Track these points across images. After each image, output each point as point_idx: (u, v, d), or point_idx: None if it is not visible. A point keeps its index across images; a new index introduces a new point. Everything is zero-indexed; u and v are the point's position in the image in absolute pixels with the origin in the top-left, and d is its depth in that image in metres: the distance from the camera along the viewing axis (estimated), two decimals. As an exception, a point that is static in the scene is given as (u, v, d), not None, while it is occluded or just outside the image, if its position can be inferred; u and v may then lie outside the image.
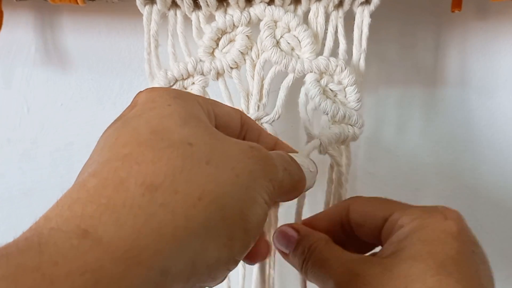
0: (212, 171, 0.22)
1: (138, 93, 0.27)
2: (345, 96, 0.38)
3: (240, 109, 0.37)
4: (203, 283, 0.23)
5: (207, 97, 0.38)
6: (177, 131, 0.23)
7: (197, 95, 0.28)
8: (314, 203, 0.43)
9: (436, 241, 0.28)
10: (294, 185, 0.28)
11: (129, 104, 0.27)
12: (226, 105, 0.30)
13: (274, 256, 0.40)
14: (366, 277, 0.28)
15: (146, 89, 0.27)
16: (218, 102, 0.29)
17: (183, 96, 0.26)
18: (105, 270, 0.18)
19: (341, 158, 0.39)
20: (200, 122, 0.25)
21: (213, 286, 0.24)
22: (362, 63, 0.39)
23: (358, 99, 0.38)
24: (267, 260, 0.40)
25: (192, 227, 0.21)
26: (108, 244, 0.19)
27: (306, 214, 0.38)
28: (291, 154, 0.30)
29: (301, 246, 0.33)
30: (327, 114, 0.38)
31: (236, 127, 0.30)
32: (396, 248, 0.29)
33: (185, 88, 0.39)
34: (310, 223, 0.36)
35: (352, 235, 0.34)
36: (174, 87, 0.38)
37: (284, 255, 0.34)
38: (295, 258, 0.33)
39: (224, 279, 0.24)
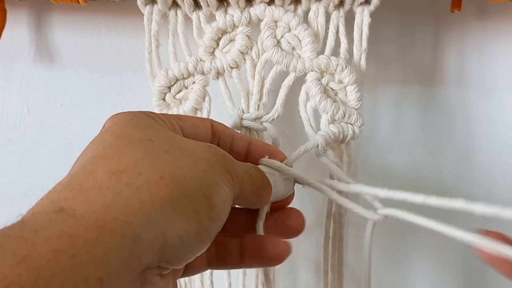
0: (171, 158, 0.25)
1: (106, 120, 0.29)
2: (346, 95, 0.39)
3: (239, 110, 0.38)
4: (180, 253, 0.25)
5: (207, 96, 0.39)
6: (138, 134, 0.26)
7: (161, 114, 0.30)
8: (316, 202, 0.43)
9: None
10: (256, 190, 0.30)
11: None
12: (193, 117, 0.32)
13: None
14: None
15: (113, 114, 0.29)
16: (183, 115, 0.32)
17: (146, 113, 0.29)
18: (80, 235, 0.21)
19: (341, 157, 0.40)
20: (160, 127, 0.28)
21: (192, 259, 0.26)
22: (363, 62, 0.39)
23: (358, 98, 0.38)
24: None
25: (157, 202, 0.23)
26: (81, 216, 0.22)
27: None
28: (262, 165, 0.32)
29: None
30: (327, 113, 0.38)
31: (206, 136, 0.31)
32: None
33: (186, 88, 0.39)
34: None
35: None
36: (174, 86, 0.38)
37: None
38: None
39: (202, 252, 0.26)
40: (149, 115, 0.29)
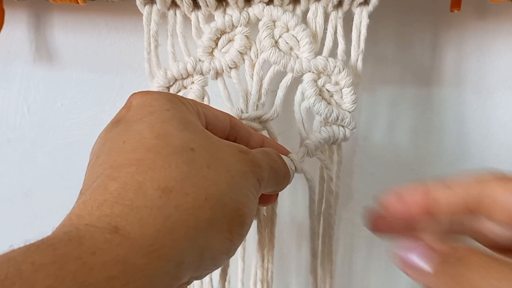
0: (212, 175, 0.26)
1: (133, 94, 0.29)
2: (341, 97, 0.39)
3: (238, 110, 0.39)
4: (209, 270, 0.26)
5: (206, 97, 0.39)
6: (178, 136, 0.26)
7: (188, 99, 0.30)
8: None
9: None
10: (278, 181, 0.32)
11: None
12: (216, 109, 0.33)
13: (273, 250, 0.40)
14: None
15: (139, 92, 0.29)
16: (208, 105, 0.33)
17: (177, 100, 0.29)
18: (133, 261, 0.21)
19: (331, 157, 0.40)
20: (197, 127, 0.28)
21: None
22: (359, 63, 0.39)
23: (353, 101, 0.39)
24: (265, 255, 0.40)
25: (200, 226, 0.24)
26: (135, 240, 0.22)
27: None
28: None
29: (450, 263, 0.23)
30: (320, 115, 0.38)
31: (225, 128, 0.32)
32: None
33: (185, 88, 0.39)
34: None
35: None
36: (173, 86, 0.39)
37: (416, 273, 0.25)
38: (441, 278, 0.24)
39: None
40: (181, 101, 0.29)
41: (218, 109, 0.33)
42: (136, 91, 0.29)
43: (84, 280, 0.20)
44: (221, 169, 0.26)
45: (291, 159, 0.35)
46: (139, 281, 0.21)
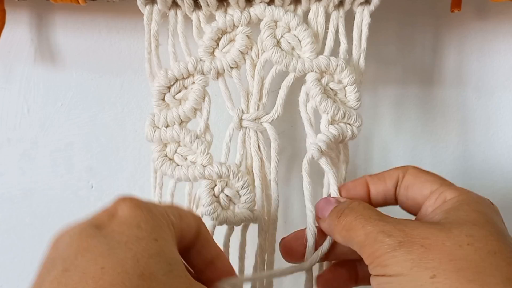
0: None
1: (120, 200, 0.27)
2: (345, 95, 0.39)
3: (239, 110, 0.38)
4: None
5: (207, 97, 0.39)
6: (162, 281, 0.24)
7: (167, 215, 0.28)
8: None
9: (489, 213, 0.31)
10: None
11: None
12: (190, 218, 0.30)
13: (273, 254, 0.40)
14: (423, 236, 0.29)
15: (127, 199, 0.27)
16: (185, 217, 0.30)
17: (166, 228, 0.27)
18: None
19: (338, 157, 0.40)
20: (181, 271, 0.26)
21: None
22: (362, 62, 0.39)
23: (357, 98, 0.38)
24: (266, 259, 0.40)
25: None
26: None
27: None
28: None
29: (341, 204, 0.34)
30: (327, 113, 0.38)
31: (190, 237, 0.30)
32: (445, 215, 0.31)
33: (186, 88, 0.39)
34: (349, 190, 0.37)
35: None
36: (174, 86, 0.38)
37: (320, 220, 0.36)
38: (330, 215, 0.34)
39: None
40: (166, 233, 0.26)
41: (188, 212, 0.31)
42: (124, 196, 0.27)
43: None
44: None
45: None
46: None
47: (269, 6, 0.38)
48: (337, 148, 0.40)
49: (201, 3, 0.38)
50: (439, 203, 0.33)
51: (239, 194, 0.38)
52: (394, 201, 0.37)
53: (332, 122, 0.38)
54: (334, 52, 0.39)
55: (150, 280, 0.23)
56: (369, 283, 0.31)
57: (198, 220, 0.31)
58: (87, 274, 0.23)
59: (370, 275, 0.30)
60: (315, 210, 0.36)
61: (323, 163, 0.37)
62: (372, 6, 0.38)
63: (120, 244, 0.24)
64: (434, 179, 0.35)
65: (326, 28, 0.39)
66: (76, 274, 0.23)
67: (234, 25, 0.38)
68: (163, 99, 0.39)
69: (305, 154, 0.37)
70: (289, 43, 0.38)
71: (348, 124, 0.38)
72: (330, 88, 0.39)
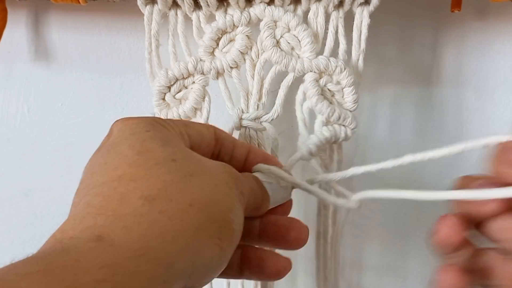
0: (196, 181, 0.26)
1: (114, 122, 0.29)
2: (343, 97, 0.39)
3: (239, 110, 0.38)
4: (203, 279, 0.26)
5: (207, 96, 0.39)
6: (159, 150, 0.26)
7: (170, 120, 0.30)
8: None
9: None
10: (257, 205, 0.31)
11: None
12: (198, 124, 0.33)
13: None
14: None
15: (120, 118, 0.29)
16: (190, 122, 0.32)
17: (157, 123, 0.29)
18: (120, 265, 0.21)
19: (332, 156, 0.40)
20: (178, 143, 0.28)
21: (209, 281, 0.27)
22: (360, 63, 0.39)
23: (355, 100, 0.39)
24: None
25: (188, 230, 0.24)
26: (120, 246, 0.22)
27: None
28: (259, 172, 0.32)
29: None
30: (322, 114, 0.38)
31: (210, 143, 0.32)
32: None
33: (186, 87, 0.39)
34: None
35: None
36: (174, 86, 0.39)
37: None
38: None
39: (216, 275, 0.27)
40: (161, 124, 0.29)
41: (201, 122, 0.33)
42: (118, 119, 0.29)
43: (69, 284, 0.20)
44: (204, 177, 0.26)
45: (285, 173, 0.33)
46: (129, 284, 0.21)
47: (269, 6, 0.38)
48: (331, 148, 0.40)
49: (201, 3, 0.38)
50: None
51: None
52: None
53: (326, 123, 0.38)
54: (334, 52, 0.39)
55: (146, 152, 0.26)
56: None
57: (209, 126, 0.33)
58: (94, 172, 0.26)
59: None
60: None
61: (314, 164, 0.37)
62: (371, 7, 0.38)
63: (117, 143, 0.27)
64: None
65: (326, 29, 0.39)
66: (86, 180, 0.26)
67: (234, 25, 0.38)
68: (164, 99, 0.39)
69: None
70: (288, 43, 0.38)
71: (343, 125, 0.39)
72: (328, 89, 0.39)
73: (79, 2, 0.39)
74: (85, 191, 0.25)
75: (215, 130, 0.33)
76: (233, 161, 0.33)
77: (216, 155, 0.33)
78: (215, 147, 0.33)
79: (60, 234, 0.23)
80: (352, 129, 0.39)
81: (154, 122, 0.28)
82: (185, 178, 0.26)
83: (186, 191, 0.25)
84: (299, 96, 0.39)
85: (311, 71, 0.38)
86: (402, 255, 0.53)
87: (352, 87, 0.38)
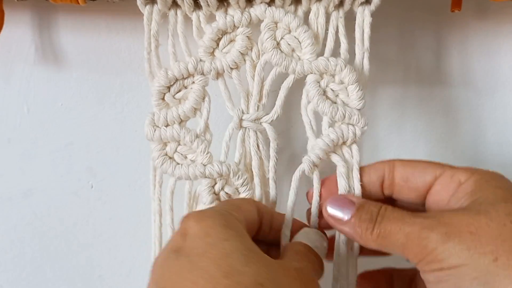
0: None
1: (185, 219, 0.30)
2: (348, 95, 0.38)
3: (239, 111, 0.38)
4: None
5: (207, 97, 0.39)
6: (246, 273, 0.27)
7: (230, 207, 0.32)
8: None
9: (508, 185, 0.32)
10: (319, 273, 0.34)
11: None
12: (246, 203, 0.35)
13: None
14: (465, 222, 0.29)
15: (192, 216, 0.30)
16: (239, 203, 0.34)
17: (231, 224, 0.30)
18: None
19: (343, 158, 0.39)
20: (256, 254, 0.29)
21: None
22: (366, 62, 0.39)
23: (360, 97, 0.38)
24: None
25: None
26: None
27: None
28: (302, 237, 0.35)
29: (365, 211, 0.33)
30: (326, 115, 0.38)
31: (256, 220, 0.34)
32: (472, 198, 0.31)
33: (185, 88, 0.39)
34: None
35: (387, 198, 0.37)
36: (174, 86, 0.38)
37: (337, 222, 0.34)
38: (357, 223, 0.33)
39: None
40: (233, 228, 0.29)
41: (243, 198, 0.36)
42: (188, 214, 0.30)
43: None
44: None
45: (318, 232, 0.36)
46: None
47: (269, 7, 0.38)
48: (341, 151, 0.39)
49: (201, 3, 0.38)
50: (455, 186, 0.33)
51: (238, 191, 0.39)
52: (381, 193, 0.37)
53: (332, 123, 0.38)
54: (335, 53, 0.39)
55: (233, 276, 0.26)
56: None
57: (252, 202, 0.35)
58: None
59: (418, 273, 0.31)
60: (326, 206, 0.35)
61: (315, 176, 0.38)
62: (372, 6, 0.38)
63: (199, 256, 0.27)
64: (431, 164, 0.35)
65: (326, 29, 0.39)
66: None
67: (234, 25, 0.38)
68: (163, 99, 0.39)
69: (300, 165, 0.38)
70: (289, 44, 0.38)
71: (350, 124, 0.38)
72: (331, 89, 0.38)
73: (79, 3, 0.39)
74: None
75: (257, 205, 0.35)
76: (273, 232, 0.35)
77: (260, 228, 0.35)
78: (258, 219, 0.34)
79: None
80: (362, 127, 0.38)
81: (228, 223, 0.29)
82: None
83: None
84: (303, 100, 0.38)
85: (311, 72, 0.38)
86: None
87: (355, 84, 0.38)
